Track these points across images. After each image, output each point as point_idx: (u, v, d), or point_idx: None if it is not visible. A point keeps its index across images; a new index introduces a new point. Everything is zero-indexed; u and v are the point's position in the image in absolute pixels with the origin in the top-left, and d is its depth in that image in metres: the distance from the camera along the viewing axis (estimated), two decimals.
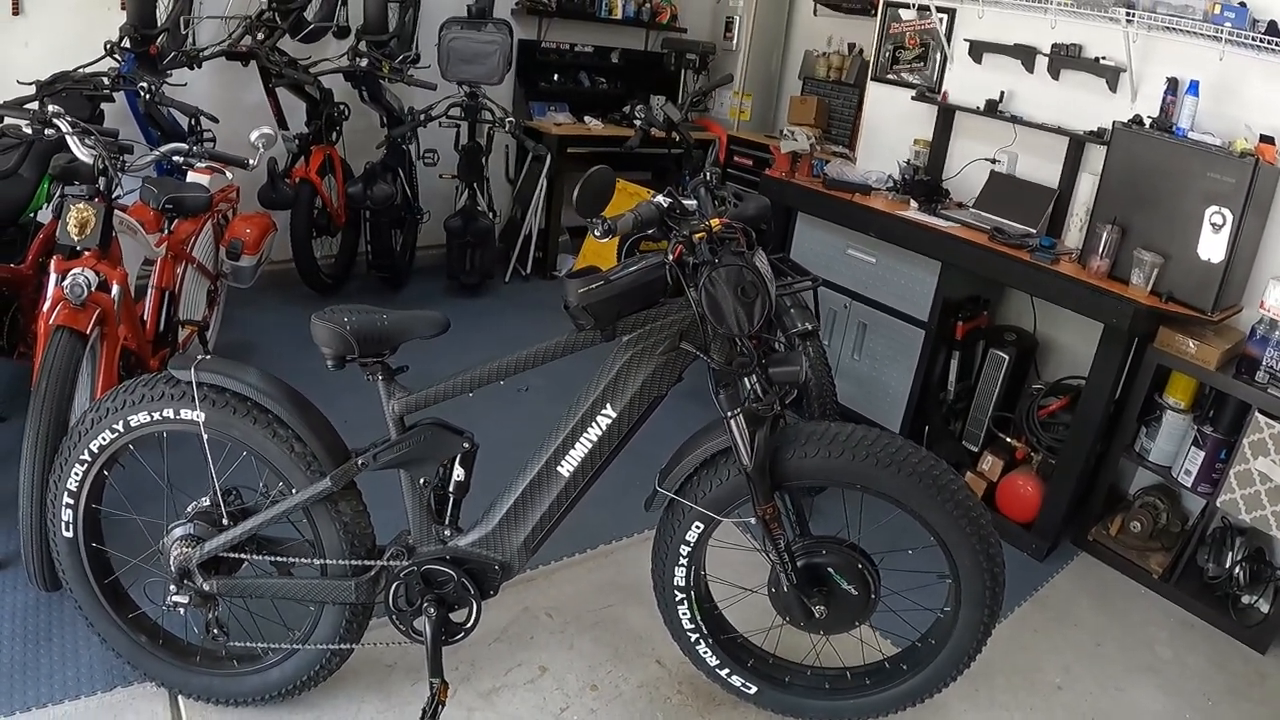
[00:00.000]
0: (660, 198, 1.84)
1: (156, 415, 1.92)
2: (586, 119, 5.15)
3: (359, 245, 4.66)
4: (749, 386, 1.95)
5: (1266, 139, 2.93)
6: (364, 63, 4.14)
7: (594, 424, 1.95)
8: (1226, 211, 2.89)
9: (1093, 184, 3.42)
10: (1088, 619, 3.06)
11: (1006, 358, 3.61)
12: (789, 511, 2.09)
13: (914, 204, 3.77)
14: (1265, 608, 3.11)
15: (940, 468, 1.96)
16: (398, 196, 4.34)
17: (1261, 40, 2.94)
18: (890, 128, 4.23)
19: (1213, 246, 2.94)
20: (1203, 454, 3.08)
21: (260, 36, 4.04)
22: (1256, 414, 2.90)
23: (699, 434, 2.06)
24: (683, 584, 2.18)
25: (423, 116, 4.33)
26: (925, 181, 3.87)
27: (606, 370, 1.93)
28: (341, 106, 4.29)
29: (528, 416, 3.43)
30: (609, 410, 1.93)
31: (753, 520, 1.99)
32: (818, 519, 2.40)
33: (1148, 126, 3.11)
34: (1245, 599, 3.14)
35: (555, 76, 5.18)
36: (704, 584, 2.27)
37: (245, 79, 4.27)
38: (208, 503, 2.02)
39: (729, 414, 1.89)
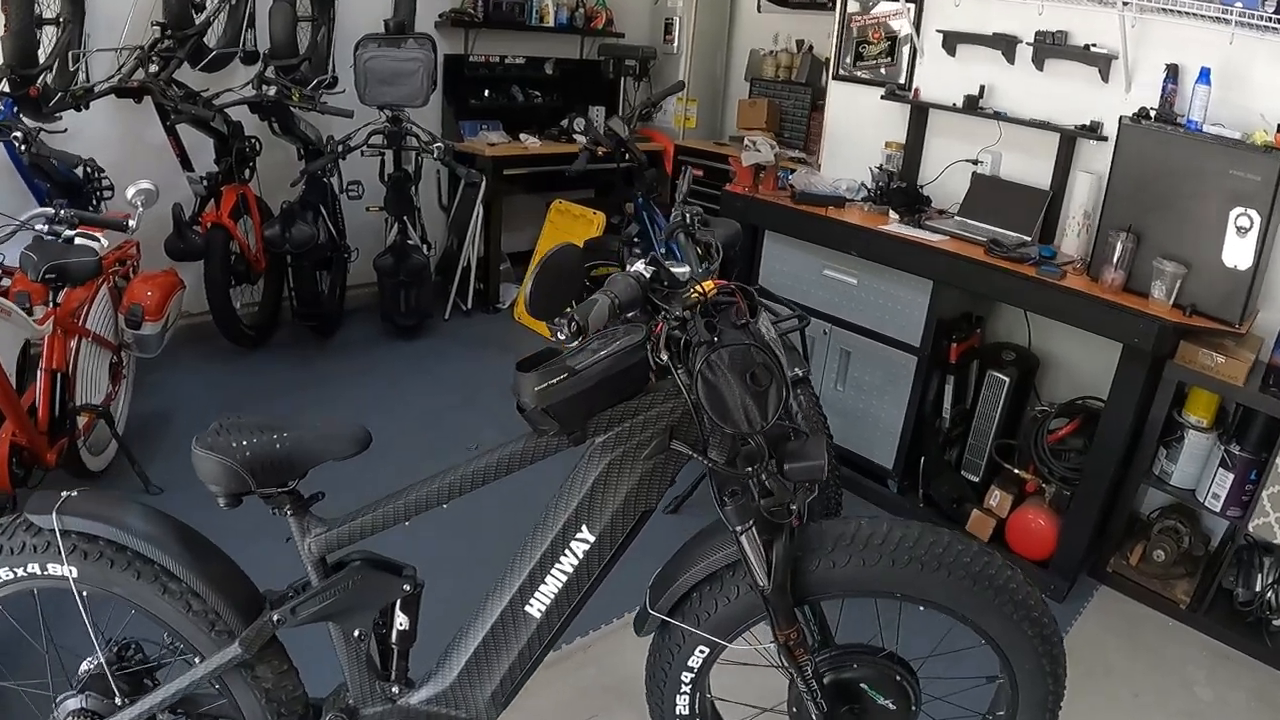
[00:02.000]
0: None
1: (19, 572, 1.52)
2: (523, 137, 4.76)
3: (282, 291, 4.21)
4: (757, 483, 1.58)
5: None
6: (272, 91, 3.70)
7: (568, 551, 1.56)
8: (1253, 213, 2.59)
9: (1089, 183, 3.13)
10: (1120, 665, 2.78)
11: (1007, 380, 3.30)
12: (809, 622, 1.73)
13: (894, 215, 3.44)
14: None
15: (995, 563, 1.60)
16: (321, 236, 3.90)
17: (1272, 20, 2.65)
18: (857, 131, 3.90)
19: (1239, 252, 2.64)
20: (1232, 475, 2.80)
21: (154, 69, 3.58)
22: None
23: (697, 541, 1.68)
24: (686, 713, 1.81)
25: (342, 147, 3.89)
26: (904, 189, 3.54)
27: (578, 482, 1.55)
28: (252, 141, 3.84)
29: (481, 512, 3.07)
30: (585, 534, 1.55)
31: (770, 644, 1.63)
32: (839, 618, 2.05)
33: (1153, 119, 2.80)
34: (1276, 622, 2.90)
35: (486, 92, 4.77)
36: (711, 707, 1.90)
37: (146, 117, 3.81)
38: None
39: (739, 529, 1.52)
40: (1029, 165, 3.38)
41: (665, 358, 1.42)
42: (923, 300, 3.22)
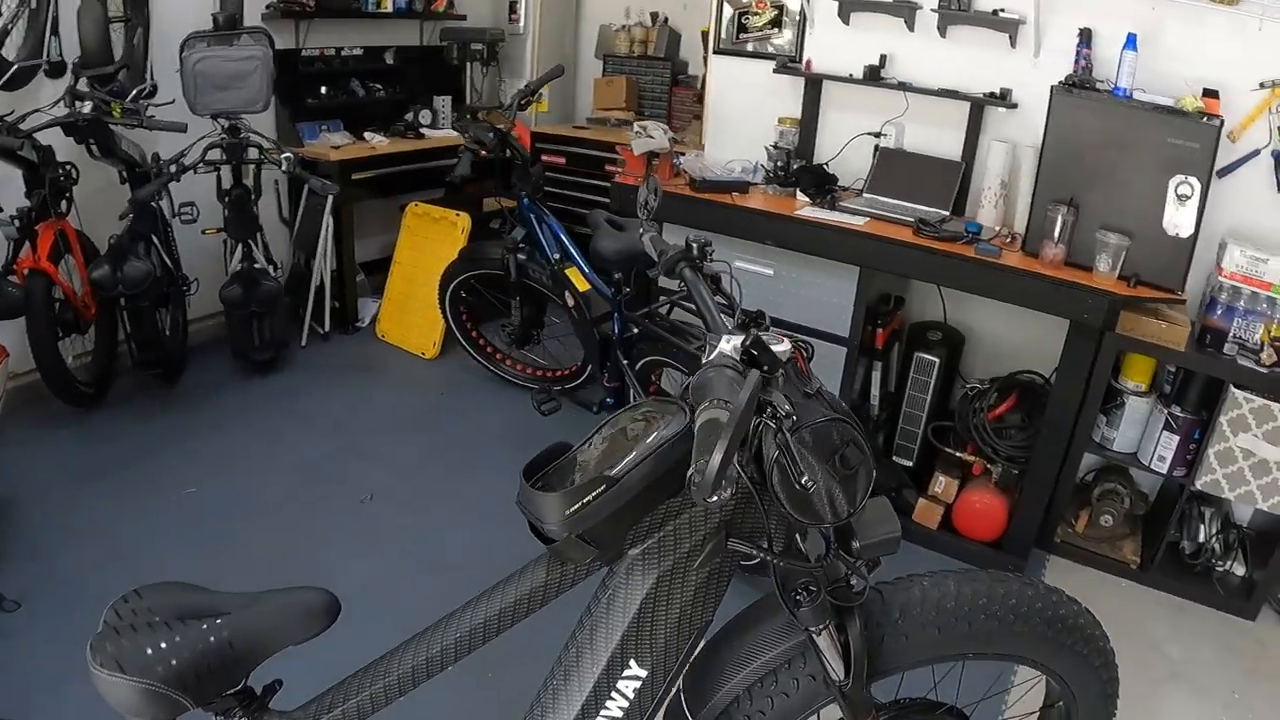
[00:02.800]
0: (728, 345, 1.15)
1: None
2: (368, 136, 4.30)
3: (117, 337, 3.62)
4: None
5: (1210, 93, 2.65)
6: (88, 107, 3.10)
7: (615, 694, 1.26)
8: (1194, 181, 2.58)
9: (1003, 152, 3.06)
10: None
11: (936, 360, 3.22)
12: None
13: (803, 197, 3.28)
14: (1240, 570, 3.00)
15: (1065, 603, 1.46)
16: (156, 270, 3.35)
17: None
18: (745, 107, 3.70)
19: (1180, 220, 2.63)
20: (1176, 437, 2.83)
21: None
22: (1232, 389, 2.68)
23: (740, 632, 1.42)
24: None
25: (176, 167, 3.33)
26: (809, 168, 3.38)
27: (617, 608, 1.26)
28: (67, 168, 3.22)
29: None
30: (635, 669, 1.26)
31: None
32: None
33: (1069, 86, 2.74)
34: (1220, 567, 3.01)
35: (323, 89, 4.26)
36: None
37: None
38: None
39: (816, 629, 1.28)
40: (935, 136, 3.29)
41: None
42: (849, 288, 3.07)
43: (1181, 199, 2.60)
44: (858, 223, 3.03)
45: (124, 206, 3.35)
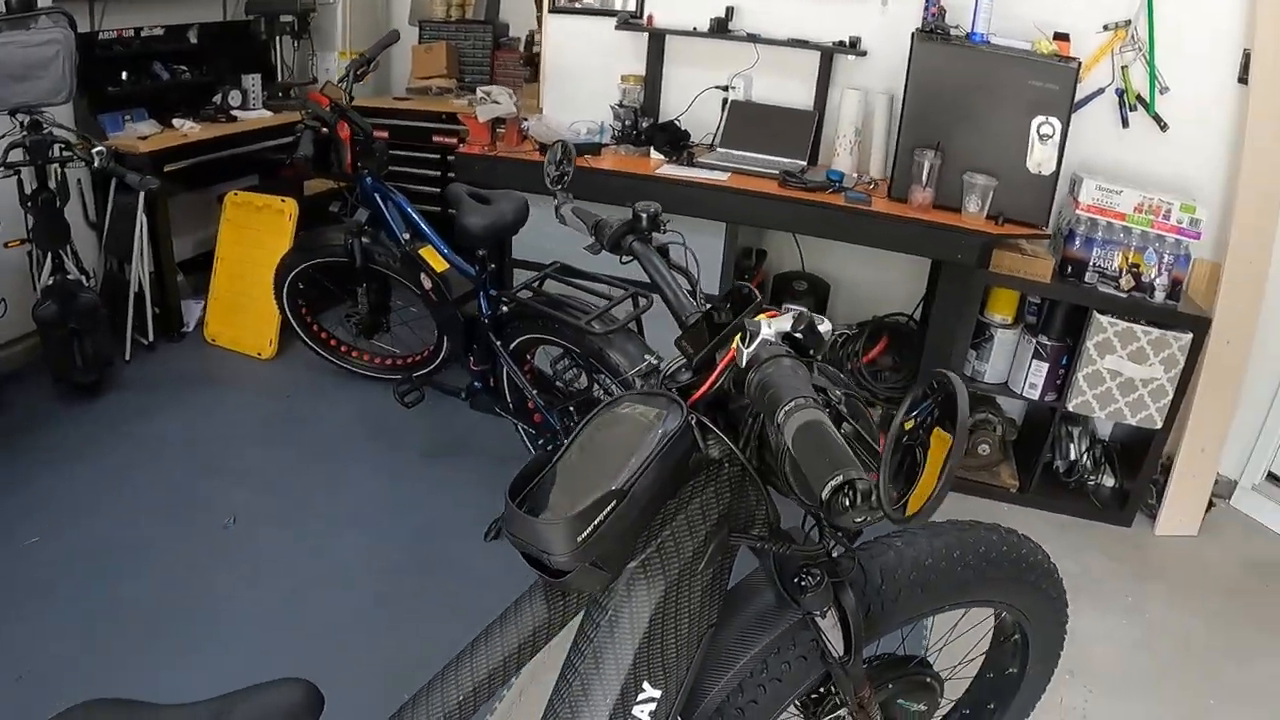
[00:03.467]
0: (770, 329, 1.02)
1: None
2: (176, 123, 3.88)
3: None
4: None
5: (1061, 36, 2.74)
6: None
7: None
8: (1055, 120, 2.68)
9: (856, 100, 3.06)
10: None
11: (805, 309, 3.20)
12: None
13: (658, 155, 3.19)
14: (1110, 482, 3.15)
15: (1021, 541, 1.48)
16: None
17: None
18: (586, 67, 3.56)
19: (1043, 158, 2.73)
20: (1046, 364, 2.94)
21: None
22: (1095, 315, 2.80)
23: (723, 625, 1.28)
24: None
25: None
26: (660, 126, 3.29)
27: (621, 629, 1.11)
28: None
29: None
30: (650, 690, 1.13)
31: None
32: None
33: (928, 33, 2.76)
34: (1092, 481, 3.16)
35: (124, 75, 3.80)
36: None
37: None
38: None
39: (817, 613, 1.21)
40: (785, 87, 3.26)
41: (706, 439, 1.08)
42: (717, 245, 3.03)
43: (1044, 138, 2.68)
44: (721, 178, 2.97)
45: None
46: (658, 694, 1.12)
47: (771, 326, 1.02)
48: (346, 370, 3.70)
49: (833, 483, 0.81)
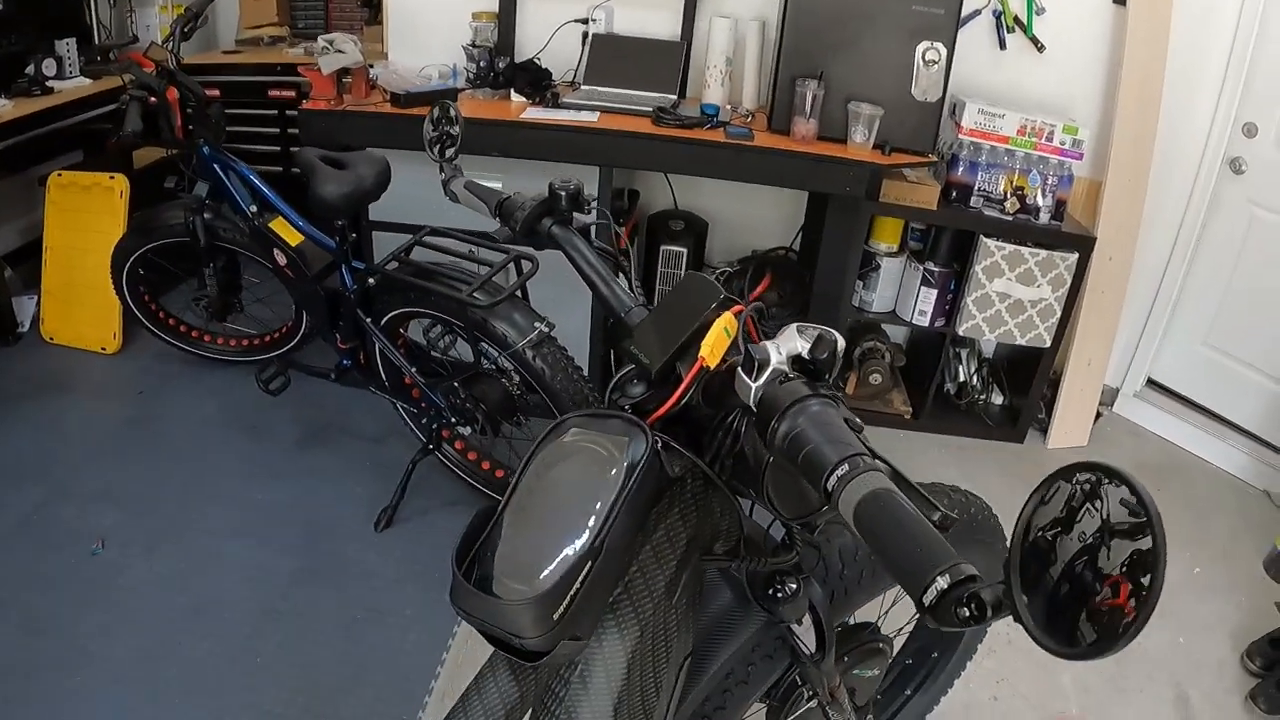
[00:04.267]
0: (777, 352, 0.87)
1: None
2: None
3: None
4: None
5: None
6: None
7: None
8: (940, 46, 2.61)
9: (726, 28, 2.91)
10: None
11: (684, 250, 3.11)
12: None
13: (519, 98, 2.98)
14: (999, 400, 3.17)
15: (970, 499, 1.44)
16: None
17: None
18: (433, 6, 3.29)
19: (928, 85, 2.65)
20: (935, 291, 2.93)
21: None
22: (982, 239, 2.79)
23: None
24: None
25: None
26: (519, 66, 3.07)
27: (595, 680, 0.95)
28: None
29: None
30: None
31: None
32: None
33: None
34: (982, 400, 3.17)
35: None
36: None
37: None
38: None
39: (791, 622, 1.12)
40: (649, 18, 3.09)
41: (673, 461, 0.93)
42: (590, 191, 2.85)
43: (929, 64, 2.61)
44: (590, 119, 2.79)
45: None
46: None
47: (781, 351, 0.86)
48: (201, 356, 3.41)
49: (940, 584, 0.67)
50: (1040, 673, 2.26)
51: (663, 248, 3.10)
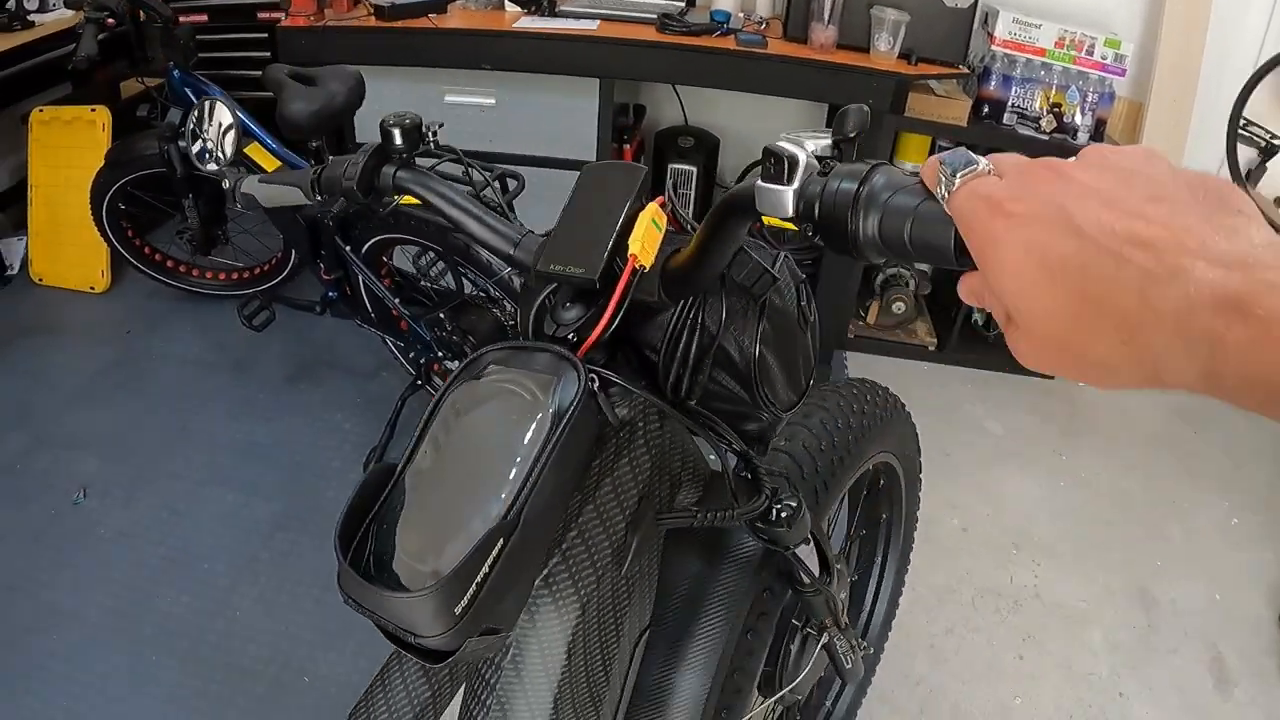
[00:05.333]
0: (803, 151, 0.60)
1: None
2: None
3: None
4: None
5: None
6: None
7: None
8: None
9: None
10: None
11: (694, 169, 2.90)
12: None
13: (513, 7, 2.77)
14: None
15: (875, 387, 1.42)
16: None
17: None
18: None
19: None
20: None
21: None
22: None
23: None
24: None
25: None
26: None
27: (529, 665, 0.79)
28: None
29: None
30: None
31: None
32: None
33: None
34: None
35: None
36: None
37: None
38: None
39: (796, 546, 0.97)
40: None
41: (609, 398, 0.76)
42: (590, 105, 2.66)
43: None
44: (590, 27, 2.57)
45: None
46: None
47: (806, 145, 0.62)
48: (190, 292, 3.26)
49: None
50: (1069, 629, 2.09)
51: (670, 166, 2.90)
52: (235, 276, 3.24)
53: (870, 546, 1.69)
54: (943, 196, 0.49)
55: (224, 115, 1.05)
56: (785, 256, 0.81)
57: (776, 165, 0.60)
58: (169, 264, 3.24)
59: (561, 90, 2.63)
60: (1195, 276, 0.37)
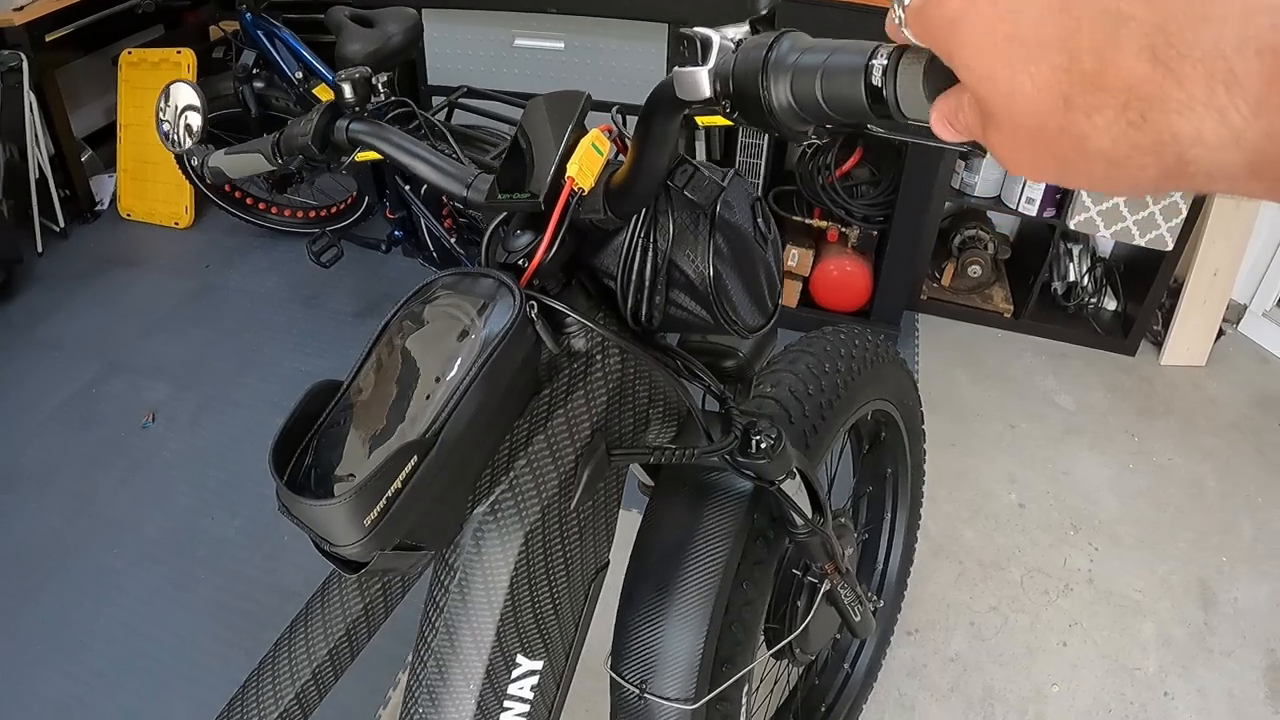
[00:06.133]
0: (719, 35, 0.57)
1: None
2: None
3: None
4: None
5: None
6: None
7: (511, 701, 0.81)
8: None
9: None
10: (981, 400, 2.60)
11: None
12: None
13: None
14: (1113, 305, 2.80)
15: (862, 333, 1.36)
16: None
17: None
18: None
19: None
20: None
21: None
22: None
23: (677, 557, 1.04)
24: None
25: None
26: None
27: (473, 593, 0.79)
28: None
29: None
30: (526, 663, 0.81)
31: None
32: None
33: None
34: (1093, 304, 2.80)
35: None
36: None
37: None
38: None
39: (780, 480, 0.98)
40: None
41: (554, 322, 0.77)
42: (657, 50, 2.60)
43: None
44: None
45: None
46: (538, 665, 0.82)
47: (731, 32, 0.59)
48: (267, 229, 3.35)
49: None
50: (1119, 619, 1.98)
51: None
52: (311, 215, 3.31)
53: (878, 504, 1.66)
54: (899, 17, 0.42)
55: (181, 96, 1.03)
56: (734, 173, 0.78)
57: (690, 48, 0.58)
58: (248, 201, 3.32)
59: (629, 35, 2.58)
60: (1234, 13, 0.28)
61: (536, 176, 0.73)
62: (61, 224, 3.45)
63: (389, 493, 0.64)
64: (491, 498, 0.77)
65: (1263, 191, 0.30)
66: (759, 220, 0.80)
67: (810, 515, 1.05)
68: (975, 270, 2.79)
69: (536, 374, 0.76)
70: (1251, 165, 0.29)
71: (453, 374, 0.68)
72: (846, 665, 1.64)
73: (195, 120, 1.00)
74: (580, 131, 0.74)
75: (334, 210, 3.25)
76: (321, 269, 2.68)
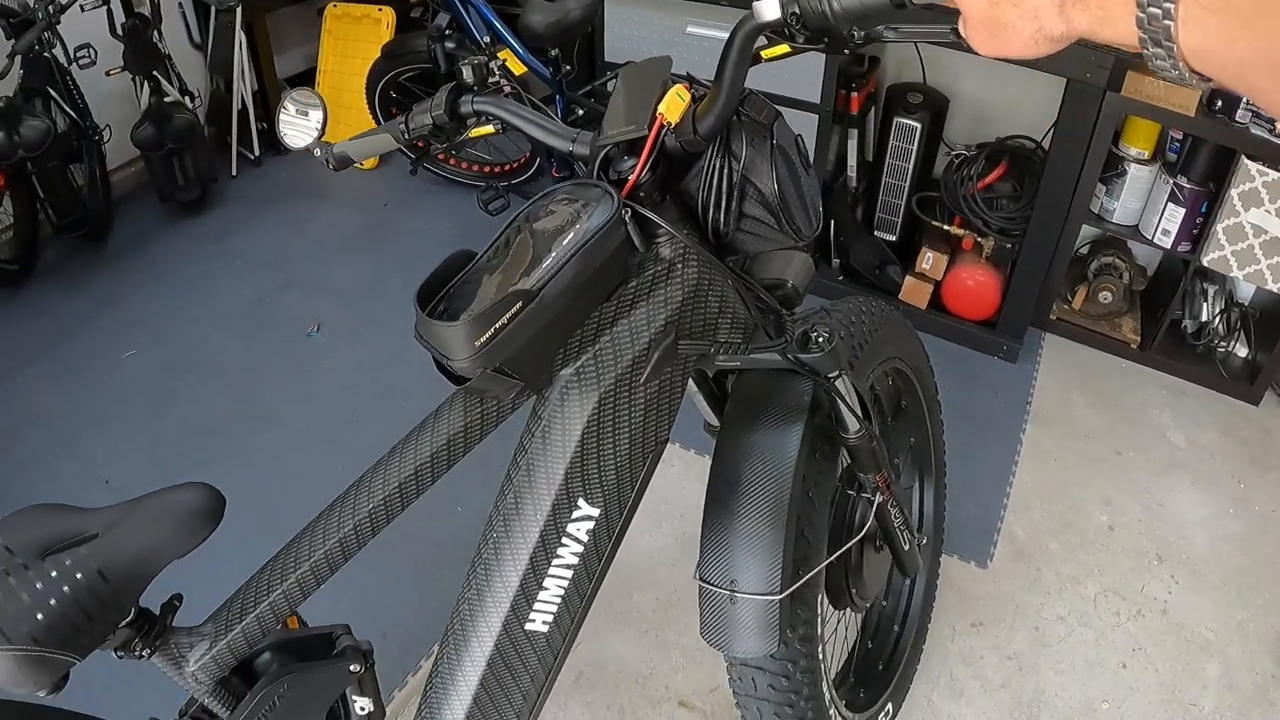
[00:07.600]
0: None
1: None
2: None
3: (34, 205, 3.17)
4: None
5: None
6: None
7: (567, 539, 1.04)
8: None
9: None
10: (1092, 422, 2.63)
11: (918, 125, 2.87)
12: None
13: None
14: (1243, 352, 2.77)
15: (874, 301, 1.51)
16: (57, 126, 2.95)
17: None
18: None
19: None
20: (1183, 210, 2.55)
21: None
22: (1244, 160, 2.38)
23: (752, 459, 1.22)
24: None
25: (53, 6, 2.82)
26: None
27: (553, 441, 1.03)
28: None
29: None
30: (585, 508, 1.03)
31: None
32: None
33: None
34: (1222, 348, 2.79)
35: None
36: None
37: None
38: None
39: (834, 377, 1.20)
40: None
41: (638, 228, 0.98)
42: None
43: None
44: None
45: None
46: (595, 512, 1.05)
47: None
48: (444, 178, 3.65)
49: None
50: (1186, 653, 2.00)
51: (896, 120, 2.91)
52: (485, 170, 3.59)
53: (906, 474, 1.79)
54: None
55: (302, 99, 1.21)
56: (779, 115, 1.02)
57: None
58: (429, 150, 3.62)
59: None
60: None
61: (639, 116, 0.96)
62: (257, 153, 3.85)
63: (497, 324, 0.89)
64: (578, 362, 1.00)
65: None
66: (802, 151, 1.04)
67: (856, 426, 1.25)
68: (1106, 296, 2.81)
69: (626, 267, 0.99)
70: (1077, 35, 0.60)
71: (558, 250, 0.92)
72: (896, 626, 1.77)
73: (316, 118, 1.22)
74: (667, 85, 0.97)
75: (508, 168, 3.51)
76: (489, 217, 2.94)
